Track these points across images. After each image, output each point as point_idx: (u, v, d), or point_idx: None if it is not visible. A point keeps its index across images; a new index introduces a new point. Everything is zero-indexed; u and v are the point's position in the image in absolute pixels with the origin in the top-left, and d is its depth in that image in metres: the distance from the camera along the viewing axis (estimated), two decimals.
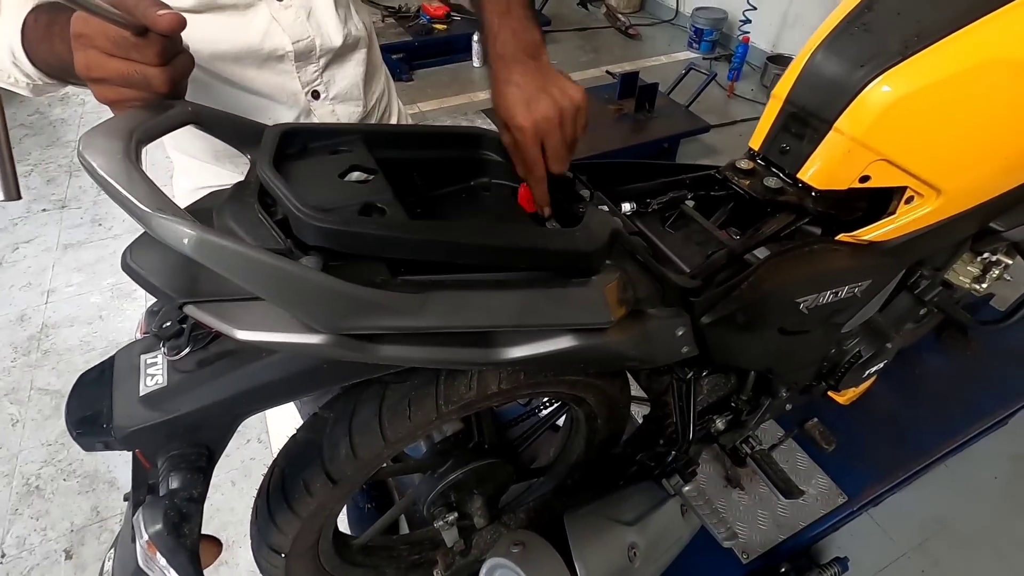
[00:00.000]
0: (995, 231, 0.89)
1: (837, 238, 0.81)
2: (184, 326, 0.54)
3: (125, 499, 0.59)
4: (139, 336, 0.64)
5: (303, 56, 0.73)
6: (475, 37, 3.63)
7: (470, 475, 0.89)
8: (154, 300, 0.68)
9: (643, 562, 0.75)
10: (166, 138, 0.79)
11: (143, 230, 0.42)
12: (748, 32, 3.25)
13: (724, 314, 0.68)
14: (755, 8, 3.14)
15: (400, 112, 0.98)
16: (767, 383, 0.97)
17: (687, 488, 0.77)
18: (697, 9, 3.90)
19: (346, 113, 0.81)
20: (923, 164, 0.74)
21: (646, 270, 0.59)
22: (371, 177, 0.53)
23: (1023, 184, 0.82)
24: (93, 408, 0.50)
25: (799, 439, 1.12)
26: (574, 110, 0.57)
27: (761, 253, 0.78)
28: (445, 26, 3.73)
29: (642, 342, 0.59)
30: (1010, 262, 1.30)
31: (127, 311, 2.10)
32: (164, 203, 0.36)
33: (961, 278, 1.27)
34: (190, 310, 0.43)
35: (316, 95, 0.76)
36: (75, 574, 1.41)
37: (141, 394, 0.51)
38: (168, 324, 0.54)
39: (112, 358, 0.55)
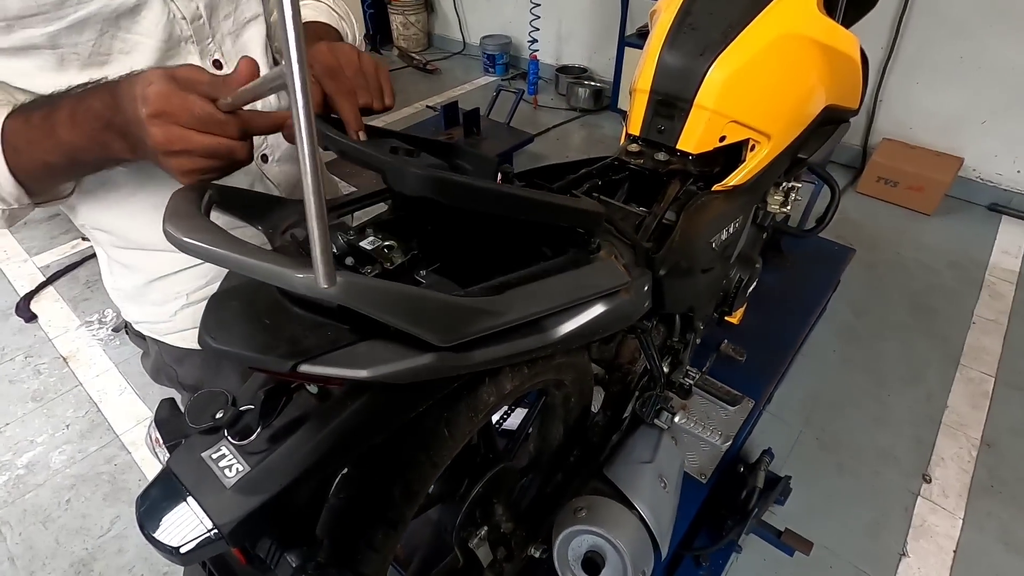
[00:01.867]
0: (802, 159, 1.19)
1: (713, 189, 1.02)
2: (242, 409, 0.52)
3: None
4: (159, 448, 0.59)
5: None
6: None
7: (487, 486, 0.93)
8: (157, 411, 0.63)
9: (670, 487, 0.87)
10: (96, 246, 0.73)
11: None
12: (537, 50, 3.66)
13: (671, 265, 0.83)
14: (538, 29, 3.56)
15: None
16: (689, 321, 1.16)
17: (677, 419, 0.91)
18: (484, 37, 4.26)
19: (291, 172, 0.83)
20: (757, 118, 0.98)
21: (622, 240, 0.72)
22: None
23: (812, 121, 1.11)
24: (182, 522, 0.47)
25: (717, 360, 1.35)
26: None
27: (668, 214, 0.96)
28: None
29: (635, 300, 0.71)
30: (799, 185, 1.70)
31: None
32: (295, 261, 0.38)
33: (772, 206, 1.63)
34: (306, 368, 0.43)
35: (265, 159, 0.79)
36: None
37: (228, 486, 0.49)
38: (222, 413, 0.52)
39: (167, 469, 0.51)
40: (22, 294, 2.35)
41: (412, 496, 0.70)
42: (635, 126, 1.02)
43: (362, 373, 0.44)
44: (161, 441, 0.58)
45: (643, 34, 3.25)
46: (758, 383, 1.66)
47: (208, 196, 0.48)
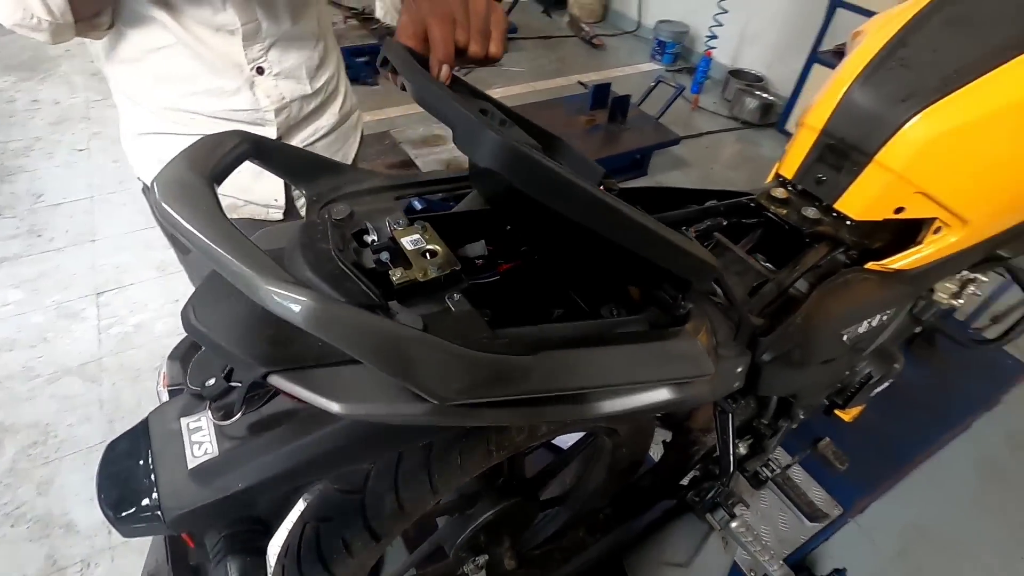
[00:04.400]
0: (1002, 257, 0.93)
1: (867, 267, 0.82)
2: (233, 385, 0.47)
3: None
4: (162, 388, 0.56)
5: (250, 36, 0.77)
6: None
7: (500, 515, 0.85)
8: (177, 345, 0.61)
9: None
10: (111, 83, 0.82)
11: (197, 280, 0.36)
12: (714, 47, 3.35)
13: (780, 352, 0.67)
14: (721, 24, 3.23)
15: (347, 94, 1.00)
16: (787, 406, 0.98)
17: (734, 524, 0.76)
18: (660, 22, 3.99)
19: (288, 90, 0.84)
20: (955, 197, 0.76)
21: (724, 311, 0.58)
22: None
23: None
24: (132, 486, 0.43)
25: (807, 459, 1.14)
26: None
27: (799, 284, 0.78)
28: None
29: (718, 385, 0.57)
30: (985, 279, 1.38)
31: (75, 332, 1.92)
32: (268, 267, 0.31)
33: (940, 295, 1.33)
34: (276, 380, 0.37)
35: (260, 71, 0.80)
36: None
37: (190, 467, 0.44)
38: (213, 382, 0.47)
39: (144, 422, 0.48)
40: None
41: (401, 515, 0.63)
42: (790, 168, 0.84)
43: (333, 406, 0.36)
44: (166, 381, 0.56)
45: (839, 53, 2.83)
46: (855, 490, 1.41)
47: (236, 148, 0.41)
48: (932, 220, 0.79)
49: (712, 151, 3.20)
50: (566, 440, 1.05)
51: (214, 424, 0.47)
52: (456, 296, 0.44)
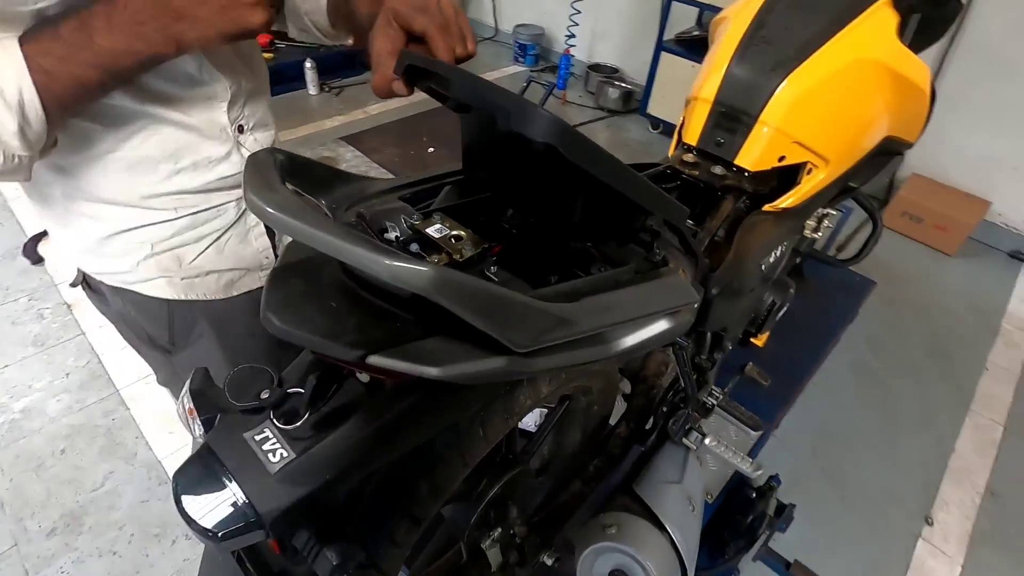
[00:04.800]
0: (852, 188, 1.17)
1: (764, 209, 0.99)
2: (289, 391, 0.50)
3: None
4: (192, 420, 0.56)
5: (233, 97, 0.75)
6: (307, 64, 3.49)
7: (505, 488, 0.90)
8: (191, 379, 0.60)
9: (696, 508, 0.85)
10: (52, 197, 0.73)
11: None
12: (573, 44, 3.61)
13: (723, 285, 0.80)
14: (577, 24, 3.51)
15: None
16: (719, 340, 1.14)
17: (708, 440, 0.89)
18: (518, 26, 4.20)
19: (264, 140, 0.82)
20: (820, 141, 0.95)
21: (686, 253, 0.69)
22: None
23: (871, 151, 1.08)
24: (223, 503, 0.44)
25: (739, 382, 1.33)
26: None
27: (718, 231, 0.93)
28: (271, 55, 3.51)
29: (689, 317, 0.69)
30: (835, 213, 1.67)
31: None
32: (384, 249, 0.35)
33: (806, 230, 1.60)
34: (376, 360, 0.41)
35: (241, 129, 0.77)
36: None
37: (273, 472, 0.46)
38: (268, 394, 0.49)
39: (207, 446, 0.49)
40: (30, 235, 2.31)
41: (439, 493, 0.67)
42: (692, 135, 0.99)
43: (433, 371, 0.41)
44: (196, 413, 0.56)
45: (681, 40, 3.21)
46: (772, 408, 1.64)
47: (280, 164, 0.45)
48: (805, 164, 0.98)
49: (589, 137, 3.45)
50: (528, 423, 1.13)
51: (281, 430, 0.49)
52: (494, 269, 0.50)
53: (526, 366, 0.47)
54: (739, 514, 1.35)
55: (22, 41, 0.51)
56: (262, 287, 0.86)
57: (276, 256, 0.86)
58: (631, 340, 0.57)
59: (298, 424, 0.48)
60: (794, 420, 1.82)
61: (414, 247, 0.52)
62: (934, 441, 1.84)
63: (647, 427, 1.08)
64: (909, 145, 1.21)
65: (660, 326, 0.59)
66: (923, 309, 2.37)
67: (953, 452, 1.81)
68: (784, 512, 1.39)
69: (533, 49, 4.21)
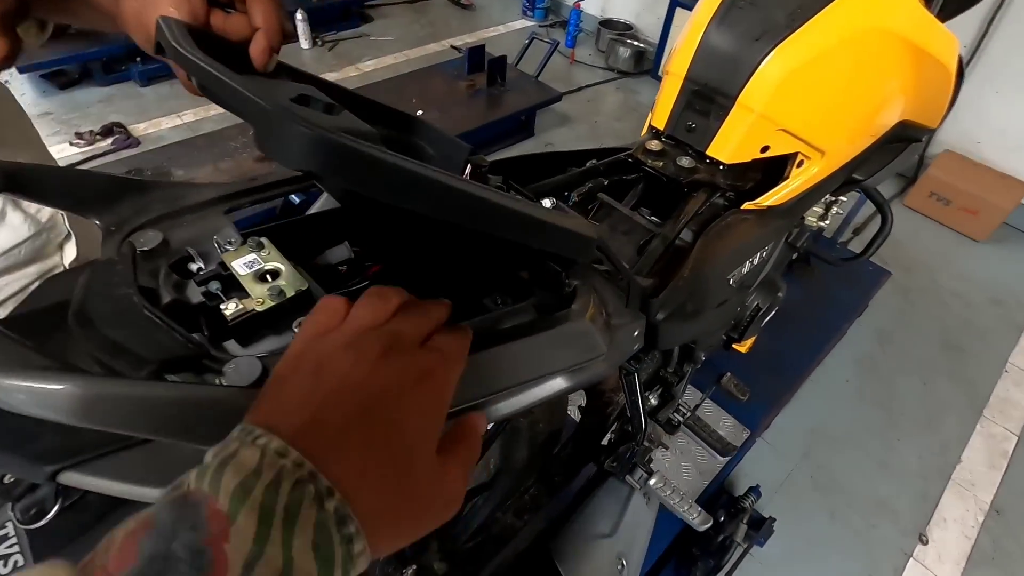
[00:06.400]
0: (856, 180, 1.00)
1: (743, 208, 0.84)
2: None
3: None
4: None
5: None
6: (298, 16, 3.28)
7: None
8: None
9: (629, 565, 0.74)
10: None
11: None
12: None
13: (673, 308, 0.66)
14: None
15: None
16: (689, 351, 1.00)
17: (653, 481, 0.77)
18: None
19: None
20: (814, 129, 0.78)
21: (612, 279, 0.55)
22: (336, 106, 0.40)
23: (880, 138, 0.91)
24: None
25: (715, 395, 1.20)
26: None
27: (683, 234, 0.78)
28: None
29: (614, 356, 0.56)
30: (845, 199, 1.49)
31: None
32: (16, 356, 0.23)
33: (809, 219, 1.43)
34: (67, 478, 0.29)
35: None
36: None
37: None
38: (11, 479, 0.38)
39: None
40: None
41: None
42: (660, 118, 0.83)
43: (153, 493, 0.29)
44: None
45: None
46: (759, 412, 1.51)
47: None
48: (795, 155, 0.82)
49: (595, 104, 3.23)
50: None
51: (22, 530, 0.38)
52: (301, 320, 0.37)
53: None
54: (711, 529, 1.25)
55: None
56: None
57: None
58: (512, 407, 0.44)
59: (43, 523, 0.37)
60: (786, 420, 1.69)
61: (214, 286, 0.39)
62: (938, 448, 1.70)
63: (604, 443, 0.96)
64: (929, 131, 1.02)
65: (553, 386, 0.46)
66: (941, 301, 2.18)
67: (959, 463, 1.67)
68: (763, 526, 1.29)
69: (543, 2, 3.93)
